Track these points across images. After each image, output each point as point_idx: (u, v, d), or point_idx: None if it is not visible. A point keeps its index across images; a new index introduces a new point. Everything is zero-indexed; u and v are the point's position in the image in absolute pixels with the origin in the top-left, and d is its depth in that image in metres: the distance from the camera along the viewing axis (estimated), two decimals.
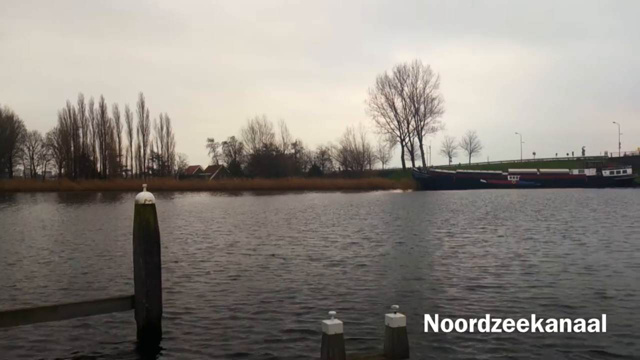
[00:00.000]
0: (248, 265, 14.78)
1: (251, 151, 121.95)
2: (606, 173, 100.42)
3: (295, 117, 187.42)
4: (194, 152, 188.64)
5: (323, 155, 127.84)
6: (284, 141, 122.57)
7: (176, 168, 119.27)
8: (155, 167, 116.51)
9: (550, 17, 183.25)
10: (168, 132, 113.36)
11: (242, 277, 13.23)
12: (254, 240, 20.62)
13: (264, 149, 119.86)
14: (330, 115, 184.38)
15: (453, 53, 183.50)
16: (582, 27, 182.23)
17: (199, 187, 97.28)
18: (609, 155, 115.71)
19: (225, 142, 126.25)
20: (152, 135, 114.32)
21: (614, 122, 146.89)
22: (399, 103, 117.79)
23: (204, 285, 12.33)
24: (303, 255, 16.63)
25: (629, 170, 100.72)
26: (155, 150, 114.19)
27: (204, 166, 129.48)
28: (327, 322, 5.85)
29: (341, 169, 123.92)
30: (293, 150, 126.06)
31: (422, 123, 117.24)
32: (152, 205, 8.22)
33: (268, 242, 19.82)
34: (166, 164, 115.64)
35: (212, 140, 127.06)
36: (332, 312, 5.96)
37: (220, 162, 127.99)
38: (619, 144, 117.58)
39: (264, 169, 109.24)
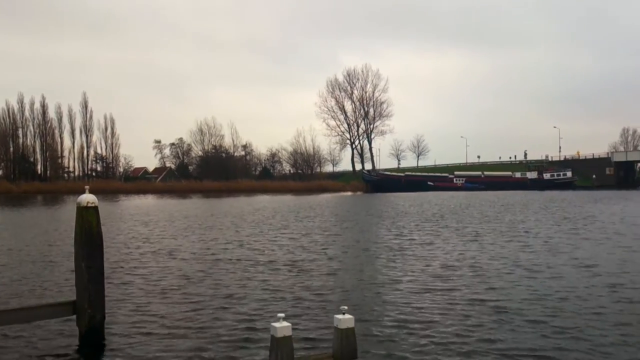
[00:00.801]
0: (194, 270, 14.52)
1: (200, 153, 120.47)
2: (547, 176, 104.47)
3: (245, 119, 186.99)
4: (140, 154, 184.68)
5: (273, 157, 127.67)
6: (234, 143, 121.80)
7: (121, 170, 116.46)
8: (99, 168, 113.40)
9: (490, 23, 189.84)
10: (113, 133, 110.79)
11: (188, 281, 12.98)
12: (200, 244, 20.31)
13: (213, 150, 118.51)
14: (281, 118, 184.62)
15: (399, 57, 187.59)
16: (521, 34, 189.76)
17: (145, 190, 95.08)
18: (550, 159, 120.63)
19: (172, 144, 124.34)
20: (96, 136, 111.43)
21: (554, 127, 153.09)
22: (348, 106, 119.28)
23: (148, 290, 12.03)
24: (251, 258, 16.50)
25: (569, 174, 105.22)
26: (99, 151, 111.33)
27: (151, 168, 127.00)
28: (276, 324, 5.80)
29: (292, 172, 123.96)
30: (243, 152, 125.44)
31: (371, 126, 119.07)
32: (95, 208, 7.98)
33: (215, 246, 19.56)
34: (110, 165, 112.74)
35: (159, 142, 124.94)
36: (281, 315, 5.92)
37: (167, 164, 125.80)
38: (560, 148, 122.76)
39: (213, 171, 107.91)
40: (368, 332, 8.57)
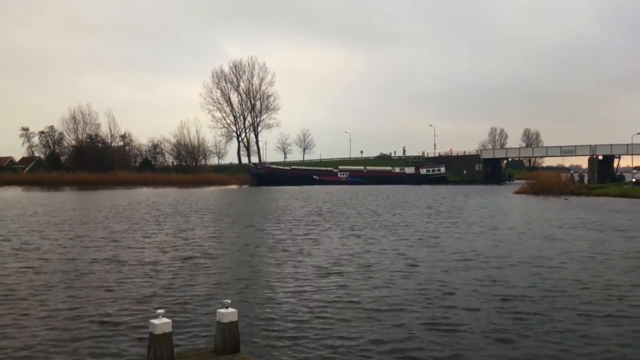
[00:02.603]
0: (63, 270, 13.45)
1: (73, 142, 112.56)
2: (423, 171, 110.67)
3: (124, 107, 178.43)
4: (5, 143, 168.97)
5: (155, 148, 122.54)
6: (112, 132, 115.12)
7: None
8: None
9: (371, 21, 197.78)
10: None
11: (57, 282, 12.05)
12: (69, 241, 18.91)
13: (88, 140, 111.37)
14: (163, 108, 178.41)
15: (285, 51, 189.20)
16: (399, 34, 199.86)
17: (10, 181, 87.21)
18: (426, 155, 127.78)
19: (42, 132, 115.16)
20: None
21: (430, 125, 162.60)
22: (235, 98, 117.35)
23: (12, 289, 11.03)
24: (126, 256, 15.71)
25: (443, 169, 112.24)
26: None
27: (17, 158, 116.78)
28: (155, 321, 5.56)
29: (175, 164, 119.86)
30: (122, 143, 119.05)
31: (258, 119, 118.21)
32: None
33: (87, 243, 18.34)
34: None
35: (26, 130, 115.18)
36: (161, 311, 5.67)
37: (36, 154, 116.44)
38: (435, 145, 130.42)
39: (88, 162, 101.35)
40: (251, 325, 8.49)
